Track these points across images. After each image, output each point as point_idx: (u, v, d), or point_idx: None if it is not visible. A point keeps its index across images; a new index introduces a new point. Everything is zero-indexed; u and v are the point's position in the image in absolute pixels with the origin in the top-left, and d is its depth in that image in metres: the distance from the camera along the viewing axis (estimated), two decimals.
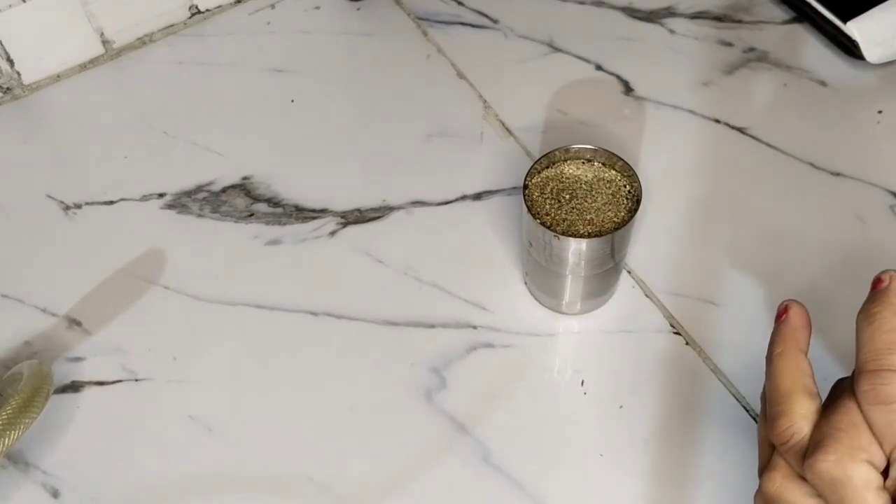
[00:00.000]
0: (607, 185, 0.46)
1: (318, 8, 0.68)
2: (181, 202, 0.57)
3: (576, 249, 0.44)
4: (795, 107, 0.59)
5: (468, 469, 0.45)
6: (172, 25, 0.67)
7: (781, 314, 0.36)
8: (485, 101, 0.61)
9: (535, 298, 0.51)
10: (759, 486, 0.34)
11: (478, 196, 0.56)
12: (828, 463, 0.31)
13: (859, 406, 0.31)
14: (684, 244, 0.53)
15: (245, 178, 0.58)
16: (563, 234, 0.44)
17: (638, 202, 0.45)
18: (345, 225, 0.55)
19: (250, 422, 0.48)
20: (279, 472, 0.46)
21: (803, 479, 0.32)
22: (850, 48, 0.60)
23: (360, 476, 0.45)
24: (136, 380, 0.50)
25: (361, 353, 0.50)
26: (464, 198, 0.56)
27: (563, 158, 0.47)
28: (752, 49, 0.63)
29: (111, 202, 0.57)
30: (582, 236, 0.44)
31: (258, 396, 0.49)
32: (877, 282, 0.34)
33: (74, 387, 0.49)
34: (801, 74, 0.61)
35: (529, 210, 0.44)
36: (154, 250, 0.55)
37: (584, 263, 0.45)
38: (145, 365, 0.50)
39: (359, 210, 0.56)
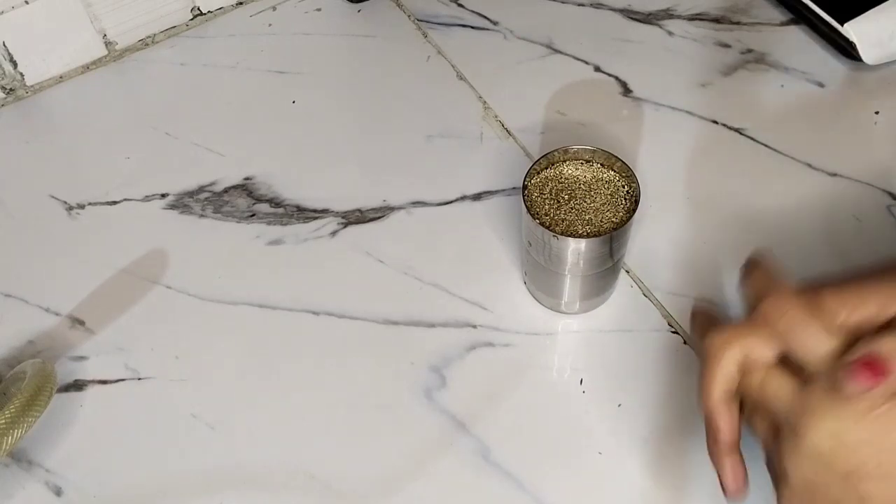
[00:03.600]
0: (606, 186, 0.46)
1: (319, 10, 0.68)
2: (183, 202, 0.57)
3: (574, 249, 0.44)
4: (793, 108, 0.60)
5: (468, 467, 0.46)
6: (175, 27, 0.67)
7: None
8: (484, 102, 0.61)
9: (535, 298, 0.51)
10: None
11: (477, 196, 0.56)
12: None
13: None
14: (682, 244, 0.53)
15: (247, 179, 0.58)
16: (561, 234, 0.44)
17: (636, 202, 0.45)
18: (346, 225, 0.56)
19: (252, 420, 0.48)
20: (281, 470, 0.46)
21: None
22: (847, 49, 0.60)
23: (361, 474, 0.46)
24: (139, 379, 0.50)
25: (362, 352, 0.50)
26: (464, 198, 0.57)
27: (562, 159, 0.47)
28: (749, 50, 0.63)
29: (114, 202, 0.58)
30: (581, 236, 0.44)
31: (260, 395, 0.49)
32: (745, 266, 0.39)
33: (77, 386, 0.50)
34: (799, 76, 0.61)
35: (529, 210, 0.45)
36: (156, 250, 0.55)
37: (583, 263, 0.45)
38: (148, 364, 0.50)
39: (359, 210, 0.56)
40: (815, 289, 0.35)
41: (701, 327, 0.41)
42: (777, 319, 0.35)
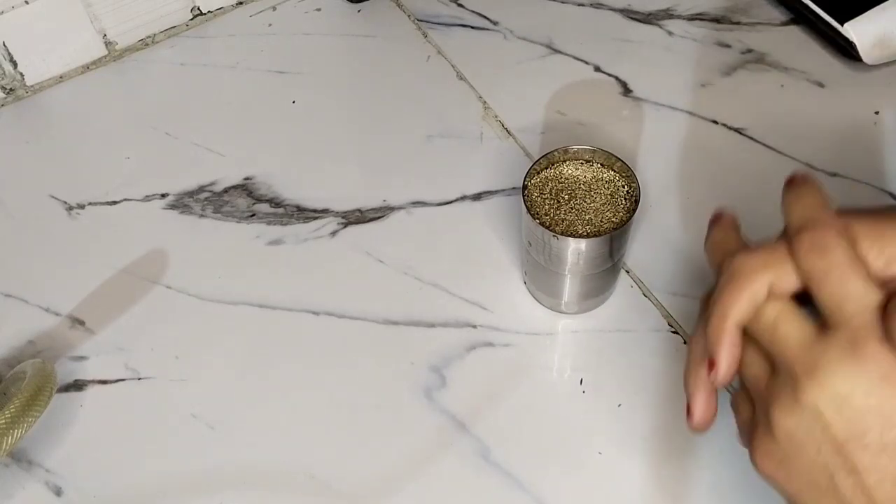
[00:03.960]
0: (606, 186, 0.46)
1: (319, 10, 0.68)
2: (183, 202, 0.57)
3: (575, 249, 0.44)
4: (793, 108, 0.60)
5: (468, 467, 0.46)
6: (175, 27, 0.67)
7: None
8: (484, 102, 0.61)
9: (535, 298, 0.51)
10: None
11: (477, 196, 0.56)
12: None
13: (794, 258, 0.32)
14: (682, 244, 0.53)
15: (247, 179, 0.58)
16: (561, 234, 0.44)
17: (636, 202, 0.45)
18: (346, 225, 0.56)
19: (252, 420, 0.48)
20: (280, 469, 0.46)
21: None
22: (847, 50, 0.60)
23: (360, 474, 0.46)
24: (139, 379, 0.50)
25: (362, 352, 0.50)
26: (463, 198, 0.57)
27: (562, 159, 0.47)
28: (749, 50, 0.63)
29: (114, 202, 0.58)
30: (581, 236, 0.44)
31: (259, 395, 0.49)
32: (791, 180, 0.35)
33: (77, 386, 0.50)
34: (799, 76, 0.61)
35: (529, 210, 0.45)
36: (156, 250, 0.55)
37: (583, 263, 0.45)
38: (148, 364, 0.50)
39: (359, 210, 0.56)
40: (850, 219, 0.32)
41: (722, 240, 0.37)
42: (818, 258, 0.31)
